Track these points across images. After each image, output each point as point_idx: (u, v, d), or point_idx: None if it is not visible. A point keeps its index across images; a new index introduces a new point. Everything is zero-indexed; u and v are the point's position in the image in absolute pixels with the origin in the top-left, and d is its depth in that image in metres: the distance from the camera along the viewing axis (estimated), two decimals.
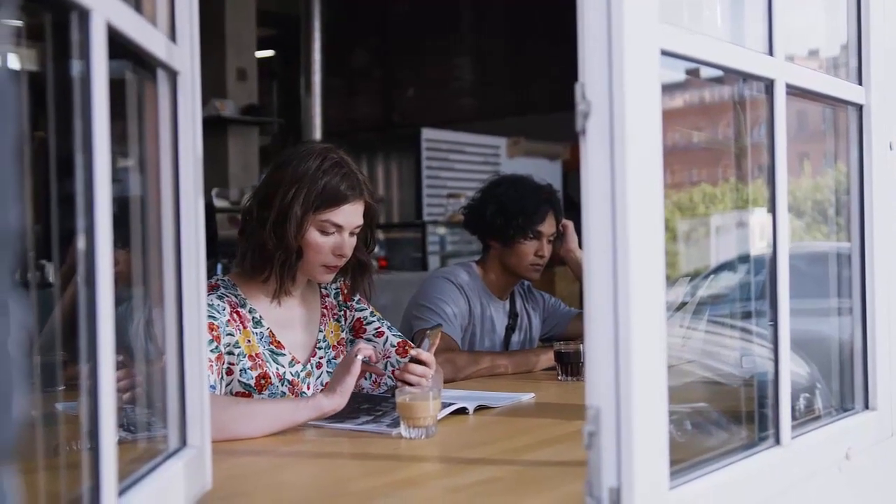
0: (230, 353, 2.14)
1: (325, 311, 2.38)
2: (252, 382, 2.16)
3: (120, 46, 1.11)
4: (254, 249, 2.19)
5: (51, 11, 0.99)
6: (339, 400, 1.97)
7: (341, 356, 2.34)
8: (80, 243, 1.01)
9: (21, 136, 0.61)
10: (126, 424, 1.43)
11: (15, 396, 0.56)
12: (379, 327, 2.42)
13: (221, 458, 1.57)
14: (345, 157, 2.24)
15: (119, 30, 1.08)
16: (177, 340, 1.37)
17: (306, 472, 1.71)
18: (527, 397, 2.36)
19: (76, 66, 1.01)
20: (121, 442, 1.07)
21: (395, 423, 1.91)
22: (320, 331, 2.35)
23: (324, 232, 2.18)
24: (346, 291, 2.43)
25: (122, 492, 1.10)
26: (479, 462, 1.70)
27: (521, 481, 1.57)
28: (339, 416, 2.03)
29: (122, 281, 1.28)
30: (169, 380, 1.38)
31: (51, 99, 1.07)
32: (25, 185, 0.61)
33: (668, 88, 1.28)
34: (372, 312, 2.45)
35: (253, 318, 2.22)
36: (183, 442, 1.38)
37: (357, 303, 2.44)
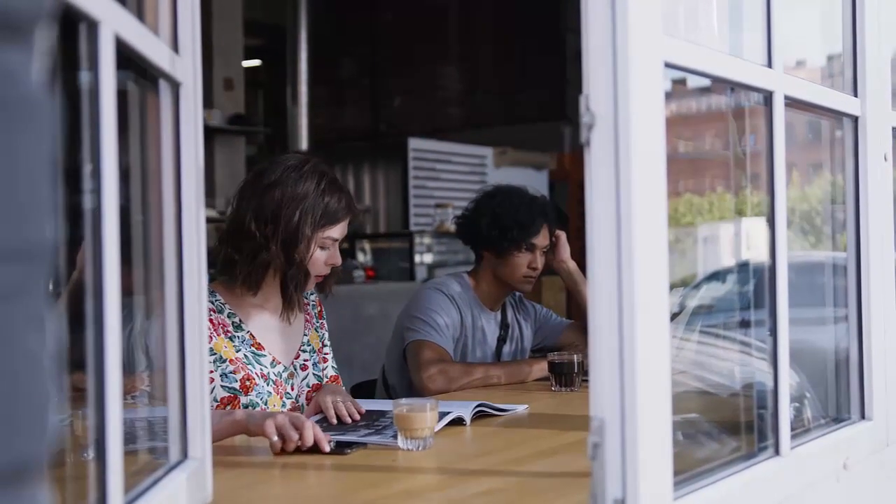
0: None
1: (307, 317, 2.46)
2: (237, 385, 2.22)
3: (123, 57, 1.10)
4: (259, 268, 2.25)
5: (58, 22, 0.99)
6: (252, 425, 1.91)
7: (321, 363, 2.44)
8: (88, 254, 1.00)
9: (55, 150, 0.62)
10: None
11: (49, 410, 0.57)
12: (327, 354, 2.51)
13: (222, 471, 1.56)
14: (334, 175, 2.35)
15: (126, 41, 1.07)
16: (178, 352, 1.37)
17: (306, 484, 1.71)
18: (522, 408, 2.36)
19: (84, 77, 1.00)
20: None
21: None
22: (305, 334, 2.43)
23: (322, 247, 2.29)
24: (319, 308, 2.53)
25: None
26: (478, 473, 1.70)
27: (522, 492, 1.57)
28: (341, 429, 2.02)
29: (123, 291, 1.27)
30: (170, 392, 1.37)
31: (56, 109, 1.06)
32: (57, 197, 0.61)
33: None
34: (329, 336, 2.54)
35: (232, 322, 2.28)
36: (184, 454, 1.37)
37: (325, 321, 2.54)
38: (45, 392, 0.57)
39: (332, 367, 2.51)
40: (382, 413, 2.19)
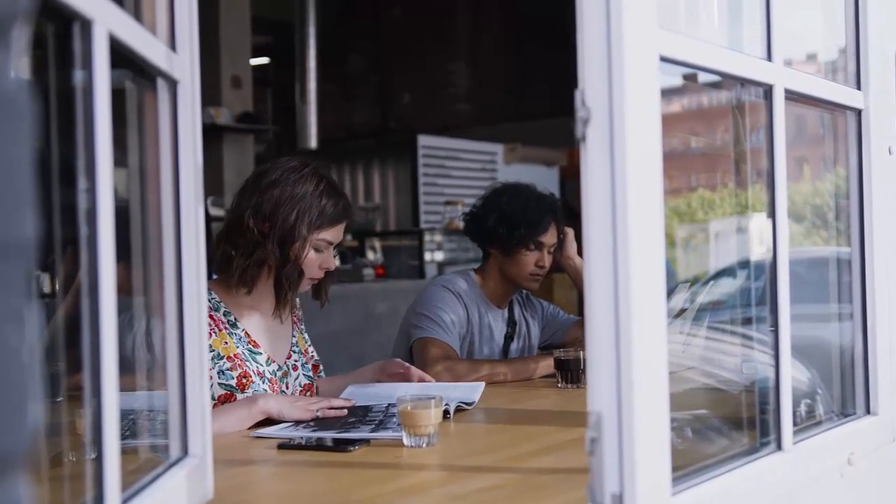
0: None
1: (295, 320, 2.51)
2: (234, 383, 2.25)
3: (120, 55, 1.11)
4: (255, 265, 2.29)
5: (52, 21, 0.99)
6: (273, 406, 2.11)
7: (310, 363, 2.49)
8: (83, 253, 1.00)
9: (36, 146, 0.62)
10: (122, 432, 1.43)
11: (30, 404, 0.57)
12: (313, 354, 2.54)
13: (222, 468, 1.56)
14: (333, 179, 2.40)
15: (120, 40, 1.07)
16: (178, 349, 1.37)
17: (307, 481, 1.71)
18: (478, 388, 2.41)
19: (78, 76, 1.01)
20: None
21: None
22: (293, 336, 2.48)
23: (317, 250, 2.33)
24: (299, 315, 2.56)
25: (124, 501, 1.10)
26: (481, 470, 1.70)
27: (522, 488, 1.57)
28: (341, 428, 2.02)
29: (122, 291, 1.28)
30: (170, 389, 1.38)
31: (52, 108, 1.07)
32: (40, 194, 0.62)
33: (666, 93, 1.28)
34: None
35: (228, 320, 2.32)
36: (184, 451, 1.37)
37: (304, 326, 2.57)
38: (24, 386, 0.57)
39: (305, 374, 2.49)
40: (366, 408, 2.21)
